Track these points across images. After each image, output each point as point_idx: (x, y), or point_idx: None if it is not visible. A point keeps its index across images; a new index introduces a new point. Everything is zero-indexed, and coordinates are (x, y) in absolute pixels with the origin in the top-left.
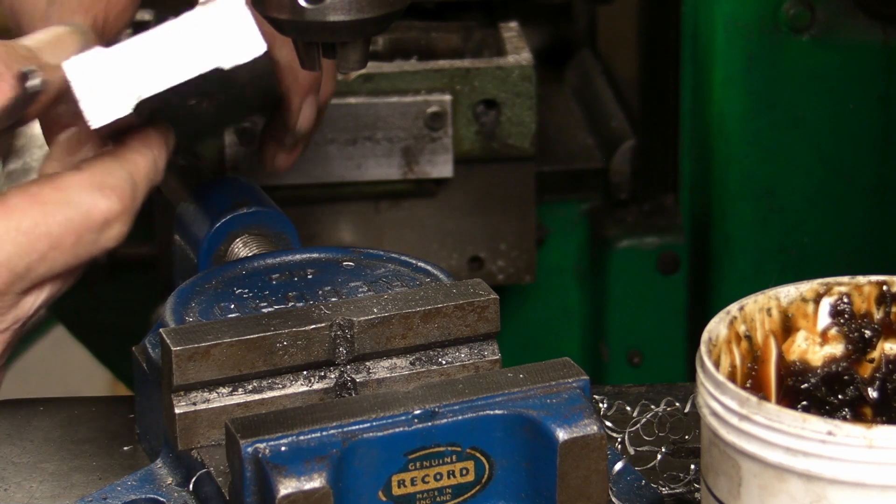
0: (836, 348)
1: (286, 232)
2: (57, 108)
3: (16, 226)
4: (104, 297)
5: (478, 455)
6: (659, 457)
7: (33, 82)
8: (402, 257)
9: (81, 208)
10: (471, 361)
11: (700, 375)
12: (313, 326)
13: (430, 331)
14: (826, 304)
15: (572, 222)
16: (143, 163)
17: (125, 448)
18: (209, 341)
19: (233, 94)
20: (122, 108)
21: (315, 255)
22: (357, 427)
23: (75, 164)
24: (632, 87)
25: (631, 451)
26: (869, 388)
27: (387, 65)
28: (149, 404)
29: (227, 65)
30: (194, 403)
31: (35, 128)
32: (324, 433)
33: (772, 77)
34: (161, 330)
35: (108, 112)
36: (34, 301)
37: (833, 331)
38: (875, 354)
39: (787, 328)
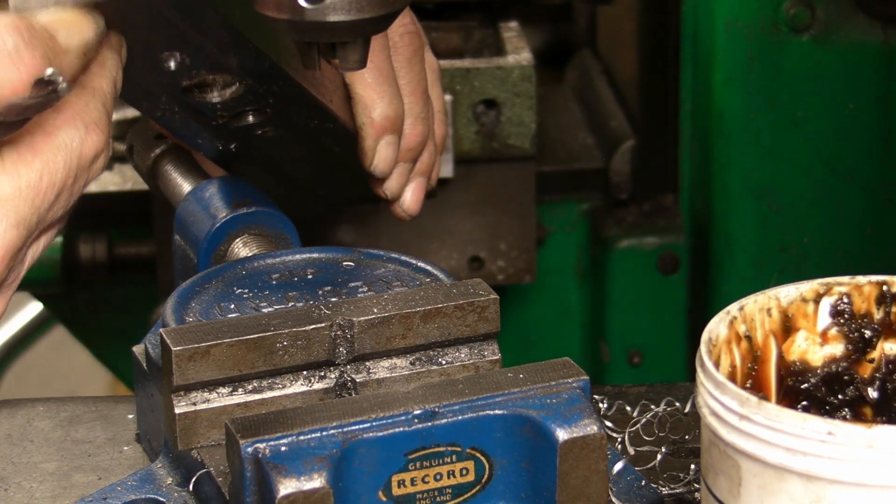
0: (836, 348)
1: (286, 232)
2: None
3: (26, 183)
4: (104, 297)
5: (478, 455)
6: (659, 457)
7: (55, 90)
8: (402, 257)
9: (74, 149)
10: (471, 361)
11: (700, 375)
12: (313, 326)
13: (430, 331)
14: (826, 304)
15: (572, 222)
16: (107, 86)
17: (125, 448)
18: (209, 341)
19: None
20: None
21: (315, 255)
22: (357, 427)
23: None
24: (632, 87)
25: (631, 451)
26: (869, 388)
27: None
28: (149, 404)
29: None
30: (194, 403)
31: None
32: (324, 433)
33: (772, 77)
34: (161, 330)
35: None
36: (36, 250)
37: (833, 331)
38: (875, 354)
39: (787, 328)
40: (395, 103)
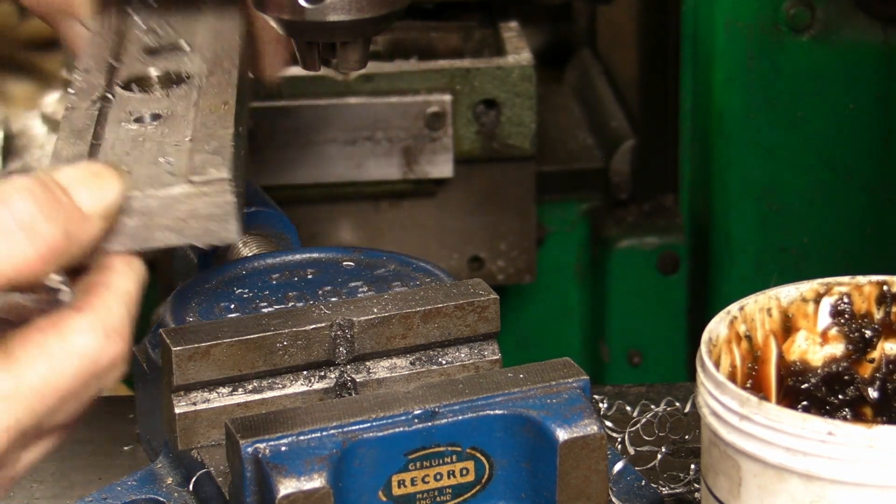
0: (837, 348)
1: (286, 232)
2: None
3: (27, 383)
4: None
5: (478, 455)
6: (659, 457)
7: (56, 300)
8: (402, 257)
9: (90, 357)
10: (471, 361)
11: (700, 375)
12: (313, 326)
13: (430, 331)
14: (826, 304)
15: (572, 222)
16: (134, 288)
17: (125, 448)
18: (209, 341)
19: None
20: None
21: (315, 255)
22: (357, 427)
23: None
24: (632, 87)
25: (631, 451)
26: (869, 388)
27: (387, 65)
28: (149, 404)
29: (202, 244)
30: (194, 403)
31: (35, 128)
32: (324, 433)
33: (772, 77)
34: (161, 330)
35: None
36: (32, 456)
37: (833, 331)
38: (875, 354)
39: (787, 328)
40: None
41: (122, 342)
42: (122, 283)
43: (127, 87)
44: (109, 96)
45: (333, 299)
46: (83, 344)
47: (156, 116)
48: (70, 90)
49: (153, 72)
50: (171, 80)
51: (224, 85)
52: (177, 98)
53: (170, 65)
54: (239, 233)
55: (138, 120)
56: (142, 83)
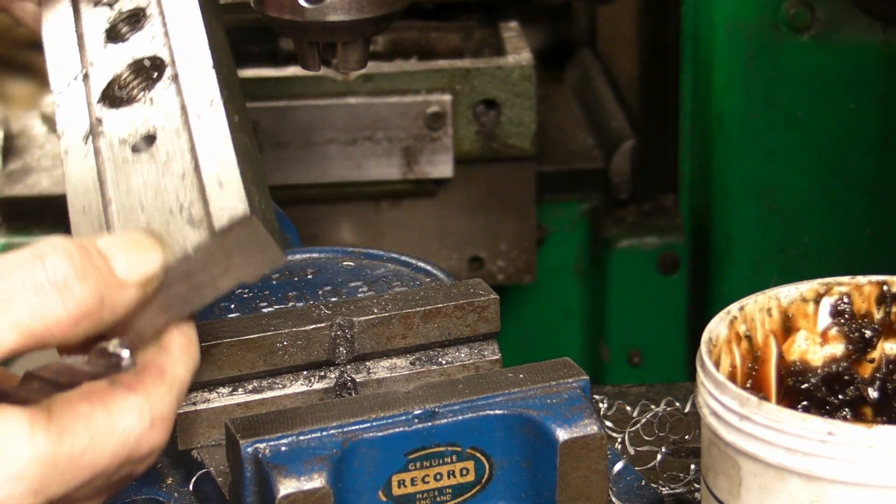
0: (837, 348)
1: (286, 232)
2: None
3: (65, 451)
4: None
5: (478, 455)
6: (659, 457)
7: (117, 364)
8: (402, 257)
9: (131, 440)
10: (471, 361)
11: (700, 375)
12: (313, 326)
13: (430, 331)
14: (826, 304)
15: (572, 222)
16: (186, 377)
17: None
18: (209, 341)
19: None
20: (156, 336)
21: (315, 255)
22: (357, 427)
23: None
24: (632, 87)
25: (631, 451)
26: (869, 388)
27: (387, 65)
28: None
29: (252, 279)
30: (194, 403)
31: (35, 128)
32: (324, 433)
33: (772, 77)
34: None
35: (141, 342)
36: None
37: (833, 331)
38: (875, 354)
39: (787, 328)
40: None
41: (165, 432)
42: (177, 369)
43: (109, 101)
44: (97, 123)
45: (333, 299)
46: (129, 426)
47: (149, 140)
48: (56, 118)
49: (126, 70)
50: (147, 74)
51: (201, 70)
52: (161, 103)
53: (137, 49)
54: (283, 251)
55: (135, 150)
56: (122, 89)
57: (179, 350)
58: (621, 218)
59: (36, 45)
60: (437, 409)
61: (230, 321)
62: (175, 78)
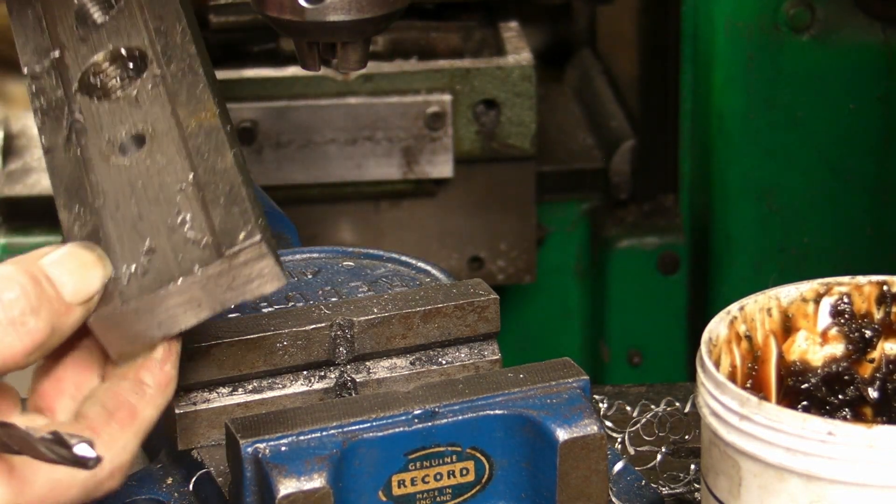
0: (837, 348)
1: (286, 232)
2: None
3: (26, 500)
4: None
5: (478, 455)
6: (659, 457)
7: (84, 464)
8: (402, 257)
9: (89, 489)
10: (471, 361)
11: (700, 375)
12: (313, 326)
13: (430, 331)
14: (826, 304)
15: (572, 222)
16: (156, 416)
17: None
18: (209, 341)
19: None
20: (147, 348)
21: (315, 255)
22: (357, 427)
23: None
24: (632, 87)
25: (631, 451)
26: (869, 388)
27: (387, 65)
28: None
29: (251, 300)
30: (194, 403)
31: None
32: (324, 433)
33: (772, 77)
34: None
35: (132, 353)
36: None
37: (833, 331)
38: (875, 354)
39: (787, 328)
40: None
41: (122, 478)
42: (147, 412)
43: (86, 91)
44: (78, 117)
45: (333, 299)
46: (89, 477)
47: (139, 140)
48: (34, 111)
49: (104, 59)
50: (127, 65)
51: (189, 74)
52: (147, 101)
53: (114, 38)
54: (285, 277)
55: (122, 150)
56: (98, 77)
57: (156, 389)
58: (621, 218)
59: None
60: (437, 409)
61: (230, 321)
62: (161, 78)
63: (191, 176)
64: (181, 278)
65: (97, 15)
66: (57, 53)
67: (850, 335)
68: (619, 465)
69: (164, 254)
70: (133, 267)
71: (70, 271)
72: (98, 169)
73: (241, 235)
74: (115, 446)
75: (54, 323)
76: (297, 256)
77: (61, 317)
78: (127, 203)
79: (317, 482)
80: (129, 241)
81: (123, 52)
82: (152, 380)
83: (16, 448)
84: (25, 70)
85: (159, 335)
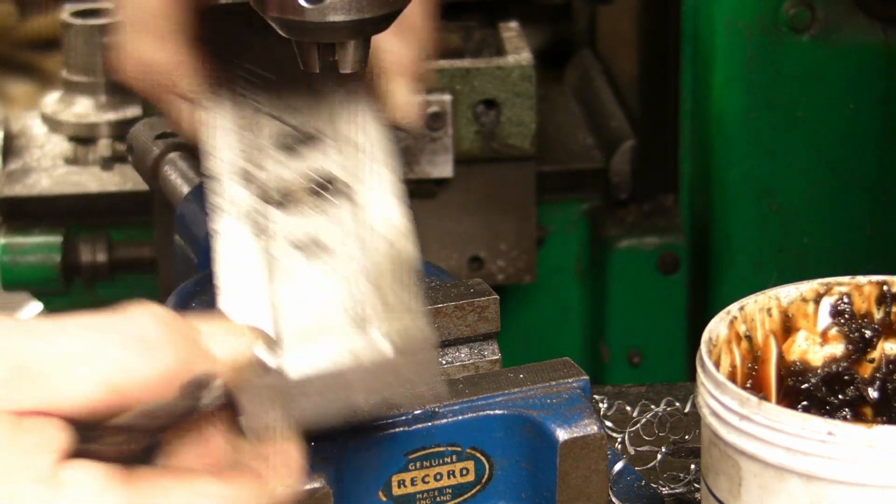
0: (837, 348)
1: None
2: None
3: None
4: (104, 297)
5: (478, 455)
6: (659, 457)
7: (207, 398)
8: None
9: None
10: (471, 361)
11: (700, 375)
12: None
13: None
14: (826, 304)
15: (572, 222)
16: (281, 498)
17: None
18: None
19: None
20: (284, 433)
21: None
22: (357, 427)
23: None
24: (632, 87)
25: (631, 451)
26: (869, 388)
27: None
28: None
29: (402, 406)
30: None
31: (35, 128)
32: (324, 433)
33: (772, 77)
34: None
35: (268, 432)
36: None
37: (833, 331)
38: (875, 354)
39: (787, 328)
40: None
41: None
42: (272, 483)
43: (275, 201)
44: (261, 218)
45: None
46: (210, 494)
47: (319, 245)
48: (215, 204)
49: (297, 179)
50: (320, 190)
51: (384, 196)
52: (334, 220)
53: (311, 164)
54: (446, 390)
55: (301, 249)
56: (289, 195)
57: (284, 466)
58: (621, 218)
59: (36, 45)
60: (437, 409)
61: None
62: (351, 198)
63: (366, 281)
64: (347, 366)
65: (297, 145)
66: (247, 168)
67: (850, 335)
68: (619, 465)
69: (328, 331)
70: (295, 346)
71: (219, 331)
72: (275, 264)
73: (417, 334)
74: (237, 491)
75: (190, 362)
76: None
77: (198, 360)
78: (297, 293)
79: (317, 482)
80: (297, 321)
81: (320, 179)
82: (281, 461)
83: (133, 426)
84: (213, 174)
85: (288, 425)
